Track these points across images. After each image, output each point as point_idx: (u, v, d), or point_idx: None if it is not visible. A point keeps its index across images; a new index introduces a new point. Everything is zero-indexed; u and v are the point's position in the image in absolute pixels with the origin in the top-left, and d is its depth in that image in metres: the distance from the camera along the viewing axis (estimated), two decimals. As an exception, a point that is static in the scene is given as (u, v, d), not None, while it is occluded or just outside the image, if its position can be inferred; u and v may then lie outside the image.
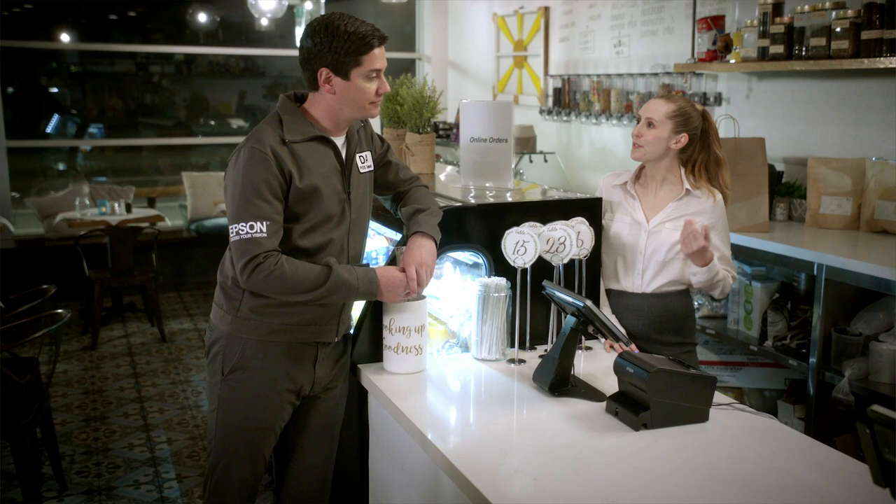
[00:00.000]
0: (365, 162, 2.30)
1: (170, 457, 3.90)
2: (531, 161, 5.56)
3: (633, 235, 2.63)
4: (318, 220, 2.15)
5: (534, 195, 3.04)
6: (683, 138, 2.57)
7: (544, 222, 2.48)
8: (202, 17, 8.46)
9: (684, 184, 2.61)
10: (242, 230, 2.05)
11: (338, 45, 2.06)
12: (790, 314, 3.43)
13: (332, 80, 2.10)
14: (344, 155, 2.23)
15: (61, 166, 8.47)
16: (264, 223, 2.04)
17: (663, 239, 2.59)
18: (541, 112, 5.97)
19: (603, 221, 2.70)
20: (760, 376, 3.66)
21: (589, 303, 2.09)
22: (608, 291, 2.71)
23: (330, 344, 2.28)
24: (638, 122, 2.63)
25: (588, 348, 2.59)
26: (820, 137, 3.87)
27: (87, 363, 5.26)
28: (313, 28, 2.11)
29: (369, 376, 2.36)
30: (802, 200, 3.71)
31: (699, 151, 2.62)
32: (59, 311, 3.43)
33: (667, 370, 1.94)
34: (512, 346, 2.50)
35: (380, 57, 2.12)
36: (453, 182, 3.18)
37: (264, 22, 7.64)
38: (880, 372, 2.97)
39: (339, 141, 2.23)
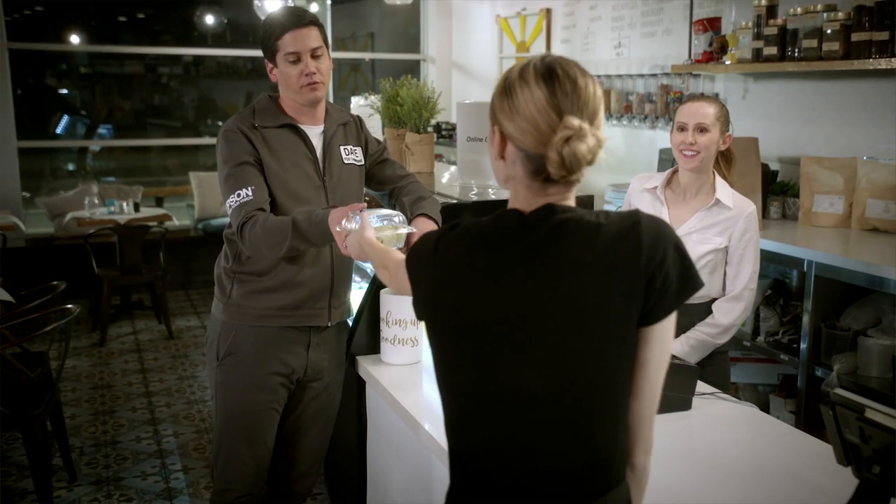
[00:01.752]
0: (350, 154, 2.39)
1: (176, 449, 4.00)
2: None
3: None
4: (289, 205, 2.22)
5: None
6: (728, 138, 2.52)
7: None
8: (210, 19, 8.56)
9: (716, 192, 2.52)
10: (233, 201, 2.17)
11: (266, 33, 2.23)
12: (782, 310, 3.49)
13: (272, 69, 2.26)
14: (320, 145, 2.32)
15: (71, 166, 8.58)
16: (249, 188, 2.16)
17: (689, 251, 2.45)
18: (542, 112, 6.03)
19: None
20: (754, 371, 3.73)
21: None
22: None
23: (324, 331, 2.37)
24: (681, 130, 2.49)
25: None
26: (813, 137, 3.93)
27: (95, 359, 5.36)
28: None
29: (367, 367, 2.45)
30: (796, 199, 3.77)
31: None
32: (69, 306, 3.52)
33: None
34: (506, 338, 2.57)
35: (298, 40, 2.17)
36: (453, 181, 3.27)
37: (271, 24, 7.72)
38: (869, 366, 3.04)
39: (314, 130, 2.32)
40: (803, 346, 3.21)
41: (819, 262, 3.12)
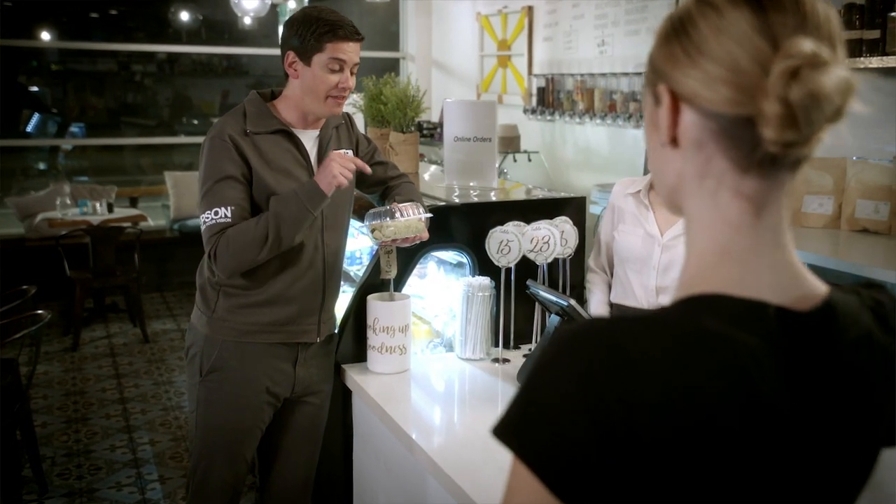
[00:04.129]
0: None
1: (152, 458, 3.88)
2: (515, 160, 5.56)
3: (646, 249, 2.45)
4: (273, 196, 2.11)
5: (518, 194, 3.04)
6: None
7: (528, 221, 2.47)
8: (185, 16, 8.41)
9: None
10: (208, 218, 2.05)
11: (306, 29, 2.08)
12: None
13: (296, 65, 2.11)
14: (314, 151, 2.21)
15: (42, 165, 8.40)
16: (228, 208, 2.03)
17: (678, 254, 2.41)
18: (525, 111, 5.97)
19: (610, 230, 2.57)
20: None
21: (573, 302, 2.09)
22: (615, 307, 2.54)
23: (312, 345, 2.27)
24: None
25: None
26: (802, 137, 3.89)
27: (68, 364, 5.22)
28: (293, 14, 2.15)
29: (353, 377, 2.36)
30: (784, 199, 3.73)
31: None
32: (40, 311, 3.39)
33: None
34: (496, 345, 2.50)
35: (347, 50, 2.09)
36: (437, 181, 3.18)
37: (247, 21, 7.60)
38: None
39: (308, 136, 2.20)
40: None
41: (809, 263, 3.07)
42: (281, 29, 2.24)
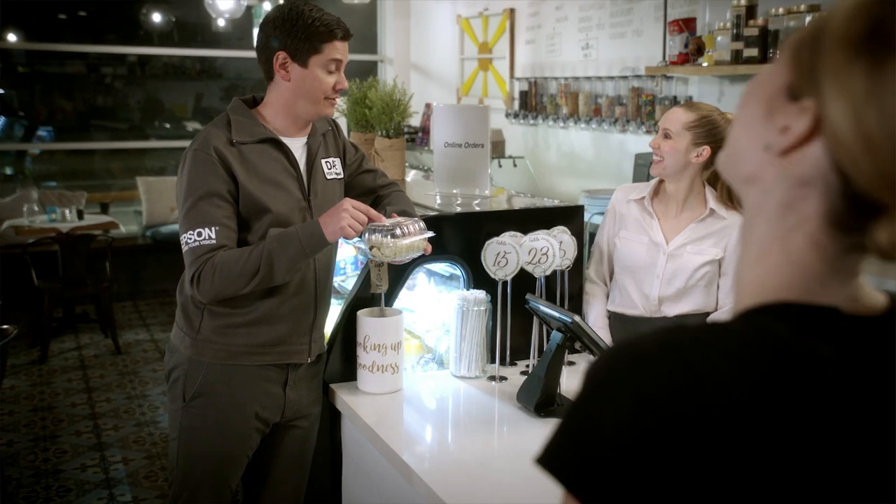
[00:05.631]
0: (332, 168, 2.16)
1: (125, 478, 3.71)
2: (500, 166, 5.46)
3: (650, 257, 2.37)
4: (270, 228, 1.98)
5: (513, 203, 2.93)
6: (706, 151, 2.29)
7: (524, 231, 2.36)
8: (157, 17, 8.21)
9: (708, 203, 2.35)
10: (190, 239, 1.91)
11: (299, 29, 1.95)
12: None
13: (289, 66, 1.98)
14: (304, 159, 2.08)
15: (8, 171, 8.16)
16: (213, 229, 1.90)
17: (684, 263, 2.35)
18: (507, 115, 5.87)
19: (610, 237, 2.48)
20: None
21: (577, 318, 1.98)
22: (613, 315, 2.47)
23: (301, 366, 2.13)
24: (657, 132, 2.38)
25: (571, 363, 2.47)
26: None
27: (35, 378, 5.01)
28: (275, 11, 2.00)
29: (343, 397, 2.22)
30: (777, 206, 3.66)
31: None
32: (6, 327, 3.22)
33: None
34: (492, 361, 2.38)
35: (342, 50, 2.01)
36: (423, 188, 3.06)
37: (221, 22, 7.43)
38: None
39: (297, 143, 2.07)
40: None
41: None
42: (257, 30, 2.10)
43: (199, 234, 1.89)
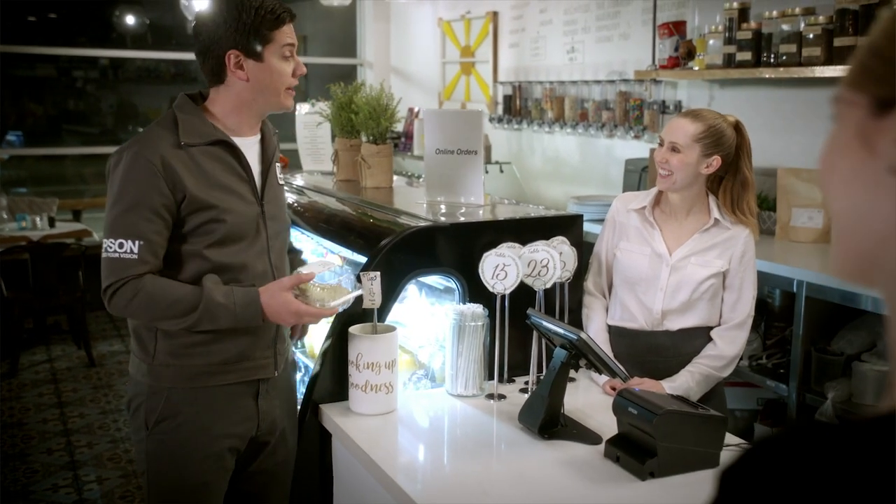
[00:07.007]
0: (279, 173, 2.06)
1: (100, 498, 3.55)
2: (487, 172, 5.35)
3: (652, 269, 2.28)
4: (224, 237, 1.86)
5: (509, 213, 2.83)
6: (716, 161, 2.20)
7: (522, 242, 2.26)
8: (130, 20, 8.04)
9: (712, 213, 2.27)
10: (111, 248, 1.79)
11: (246, 22, 1.81)
12: (765, 332, 3.29)
13: (245, 64, 1.84)
14: (258, 161, 1.96)
15: (-24, 177, 7.94)
16: (136, 243, 1.78)
17: (688, 275, 2.26)
18: (490, 120, 5.78)
19: (610, 248, 2.38)
20: (732, 396, 3.51)
21: (584, 335, 1.88)
22: (613, 329, 2.37)
23: (271, 378, 2.02)
24: (660, 145, 2.26)
25: (571, 379, 2.37)
26: (785, 147, 3.76)
27: (5, 392, 4.83)
28: (211, 8, 1.86)
29: (333, 418, 2.11)
30: (771, 212, 3.59)
31: (725, 171, 2.28)
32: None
33: (676, 411, 1.74)
34: (489, 378, 2.27)
35: (291, 33, 1.90)
36: (411, 196, 2.95)
37: (197, 25, 7.28)
38: (864, 394, 2.84)
39: (248, 143, 1.94)
40: (794, 372, 3.00)
41: (810, 281, 2.91)
42: (192, 28, 1.96)
43: (121, 246, 1.78)
